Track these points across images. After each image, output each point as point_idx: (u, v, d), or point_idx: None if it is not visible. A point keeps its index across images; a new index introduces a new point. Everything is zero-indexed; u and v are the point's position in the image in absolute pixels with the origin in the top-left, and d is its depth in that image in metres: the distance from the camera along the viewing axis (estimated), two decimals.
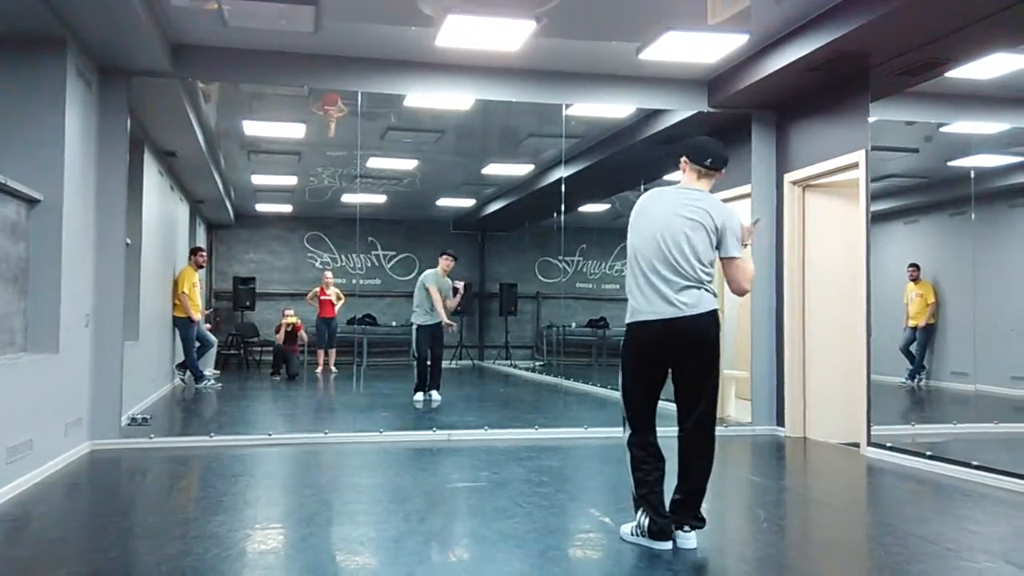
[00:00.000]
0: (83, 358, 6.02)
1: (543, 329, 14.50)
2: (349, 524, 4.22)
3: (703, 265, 3.73)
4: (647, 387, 3.82)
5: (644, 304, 3.72)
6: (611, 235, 13.78)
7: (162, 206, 9.37)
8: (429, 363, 9.09)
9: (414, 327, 9.16)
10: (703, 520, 3.79)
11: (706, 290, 3.73)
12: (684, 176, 3.92)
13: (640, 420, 3.82)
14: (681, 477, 3.79)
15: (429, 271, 9.23)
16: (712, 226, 3.75)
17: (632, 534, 3.81)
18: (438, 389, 9.09)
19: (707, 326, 3.72)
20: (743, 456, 6.54)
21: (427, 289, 9.00)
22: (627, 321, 3.81)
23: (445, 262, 9.23)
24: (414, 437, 6.82)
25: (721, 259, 3.82)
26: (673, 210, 3.75)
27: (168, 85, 6.81)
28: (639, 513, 3.78)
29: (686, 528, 3.74)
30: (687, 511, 3.77)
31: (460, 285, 9.36)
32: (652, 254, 3.71)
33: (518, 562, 3.56)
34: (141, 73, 6.38)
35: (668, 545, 3.71)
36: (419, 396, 9.01)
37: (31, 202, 5.24)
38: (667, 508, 3.77)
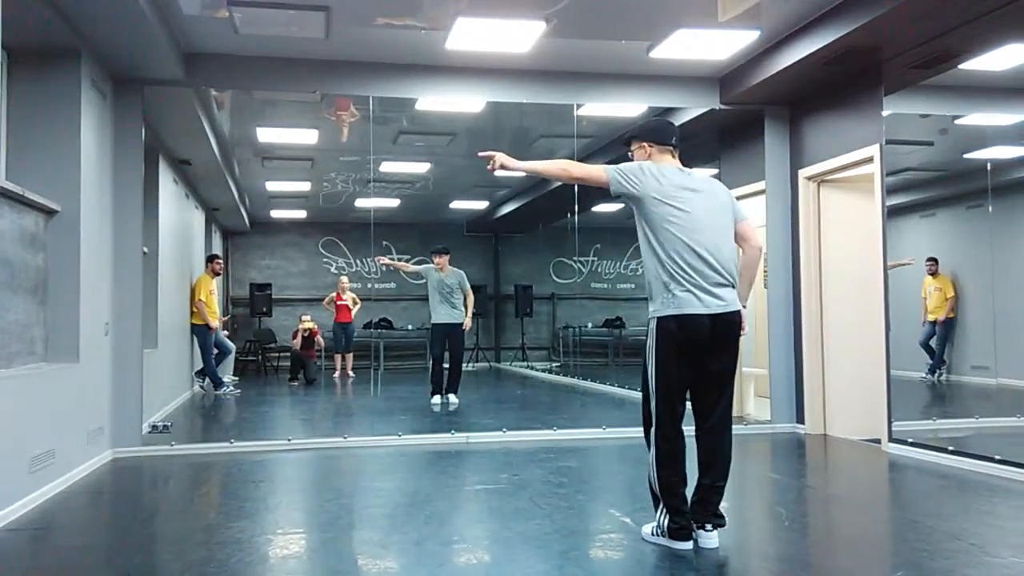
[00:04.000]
0: (103, 367, 6.06)
1: (559, 330, 14.48)
2: (370, 528, 4.23)
3: (735, 257, 3.72)
4: (683, 381, 3.71)
5: (691, 298, 3.57)
6: (625, 235, 13.67)
7: (178, 214, 9.42)
8: (447, 365, 8.97)
9: (430, 325, 9.15)
10: (723, 518, 3.76)
11: (735, 283, 3.70)
12: (653, 160, 3.77)
13: (672, 415, 3.70)
14: (702, 475, 3.77)
15: (429, 265, 9.18)
16: (728, 201, 3.76)
17: (653, 534, 3.80)
18: (456, 392, 9.00)
19: (738, 323, 3.70)
20: (763, 454, 6.51)
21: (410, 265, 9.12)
22: (667, 312, 3.61)
23: (436, 260, 9.06)
24: (433, 440, 6.83)
25: (738, 225, 3.79)
26: (705, 201, 3.65)
27: (181, 94, 6.86)
28: (659, 513, 3.76)
29: (708, 527, 3.71)
30: (708, 509, 3.74)
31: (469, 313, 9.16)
32: (706, 247, 3.60)
33: (539, 563, 3.56)
34: (154, 82, 6.42)
35: (689, 545, 3.68)
36: (436, 399, 8.92)
37: (49, 213, 5.28)
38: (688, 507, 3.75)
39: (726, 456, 3.79)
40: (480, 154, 3.93)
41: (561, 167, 3.80)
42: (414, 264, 9.31)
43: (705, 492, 3.74)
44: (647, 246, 3.69)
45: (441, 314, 8.98)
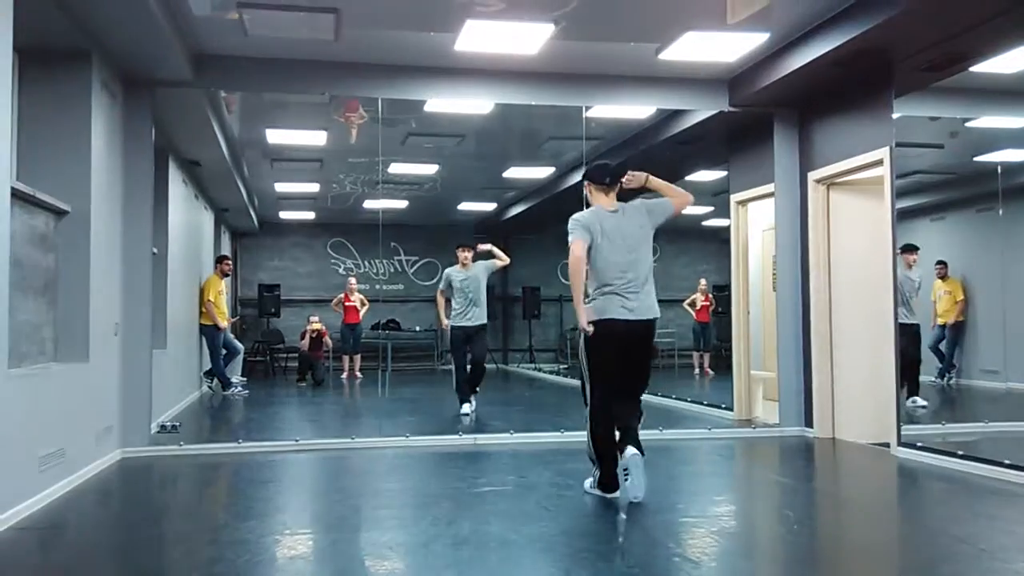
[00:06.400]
0: (112, 367, 6.08)
1: (567, 332, 14.47)
2: (377, 529, 4.24)
3: (649, 268, 4.67)
4: (611, 368, 4.62)
5: (615, 309, 4.56)
6: None
7: (187, 215, 9.45)
8: (469, 367, 8.32)
9: (450, 327, 8.48)
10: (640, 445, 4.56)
11: (652, 293, 4.68)
12: (594, 198, 4.78)
13: (607, 398, 4.64)
14: (620, 430, 4.64)
15: (448, 269, 8.52)
16: (646, 222, 4.70)
17: (591, 487, 4.75)
18: (476, 392, 8.39)
19: (654, 327, 4.70)
20: (771, 458, 6.50)
21: (440, 293, 8.55)
22: (597, 318, 4.58)
23: (461, 255, 8.38)
24: (440, 442, 6.83)
25: (669, 214, 4.76)
26: (621, 231, 4.63)
27: (191, 95, 6.88)
28: (594, 470, 4.71)
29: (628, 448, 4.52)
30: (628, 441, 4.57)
31: (487, 249, 8.53)
32: (619, 269, 4.58)
33: (546, 566, 3.56)
34: (165, 84, 6.44)
35: (616, 494, 4.61)
36: (466, 408, 8.20)
37: (59, 213, 5.30)
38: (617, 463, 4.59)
39: (637, 417, 4.71)
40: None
41: (577, 274, 4.62)
42: (442, 295, 8.64)
43: (624, 438, 4.61)
44: (591, 265, 4.66)
45: (463, 317, 8.32)
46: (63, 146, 5.39)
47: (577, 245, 4.61)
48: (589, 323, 4.61)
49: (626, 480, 4.51)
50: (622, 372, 4.69)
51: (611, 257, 4.60)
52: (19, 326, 4.66)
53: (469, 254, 8.41)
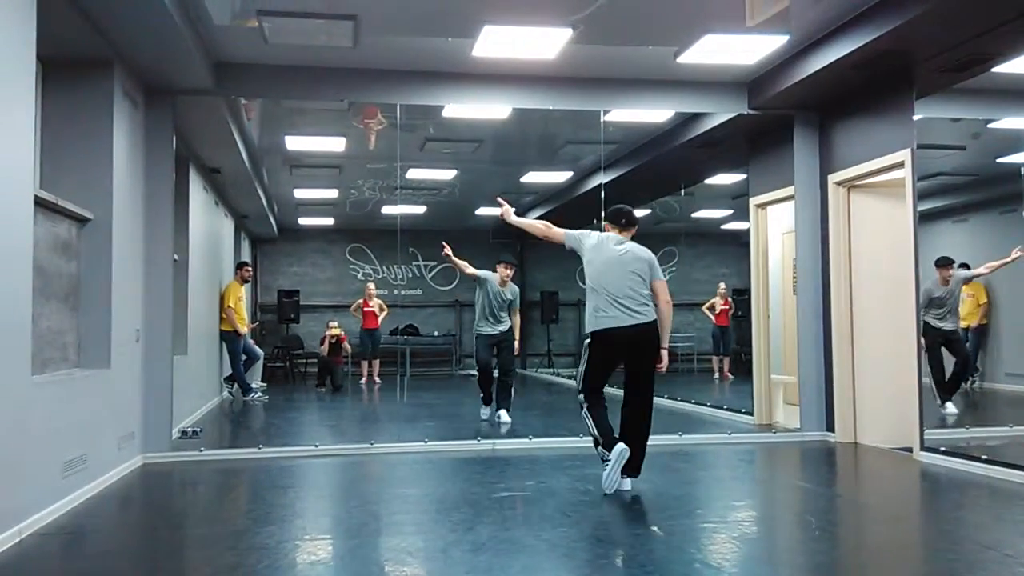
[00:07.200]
0: (134, 373, 6.13)
1: (585, 337, 14.45)
2: (397, 534, 4.24)
3: (645, 293, 5.12)
4: (606, 372, 5.19)
5: (611, 320, 5.02)
6: (651, 240, 13.48)
7: (208, 222, 9.52)
8: (496, 375, 8.22)
9: (474, 336, 8.40)
10: (638, 472, 5.03)
11: (649, 307, 5.08)
12: (610, 232, 5.32)
13: (598, 393, 5.16)
14: (631, 441, 4.96)
15: (490, 272, 8.24)
16: (645, 263, 5.16)
17: (604, 469, 4.92)
18: (508, 410, 8.09)
19: (653, 330, 5.08)
20: (793, 462, 6.45)
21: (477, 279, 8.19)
22: (593, 329, 5.11)
23: (503, 271, 8.14)
24: (459, 447, 6.82)
25: (652, 281, 5.16)
26: (620, 259, 5.13)
27: (212, 103, 6.94)
28: (600, 448, 5.06)
29: (624, 476, 4.93)
30: (631, 467, 4.95)
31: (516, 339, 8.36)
32: (615, 287, 5.04)
33: (566, 572, 3.55)
34: (185, 92, 6.50)
35: (622, 446, 4.89)
36: (485, 411, 8.26)
37: (82, 221, 5.35)
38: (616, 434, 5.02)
39: (647, 427, 5.12)
40: (498, 199, 5.68)
41: (543, 228, 5.54)
42: (473, 267, 8.33)
43: (632, 456, 4.94)
44: (587, 282, 5.20)
45: (487, 326, 8.20)
46: (85, 154, 5.44)
47: (562, 233, 5.40)
48: (588, 335, 5.15)
49: (605, 464, 4.93)
50: (632, 381, 5.09)
51: (609, 278, 5.09)
52: (42, 333, 4.70)
53: (511, 272, 8.20)
